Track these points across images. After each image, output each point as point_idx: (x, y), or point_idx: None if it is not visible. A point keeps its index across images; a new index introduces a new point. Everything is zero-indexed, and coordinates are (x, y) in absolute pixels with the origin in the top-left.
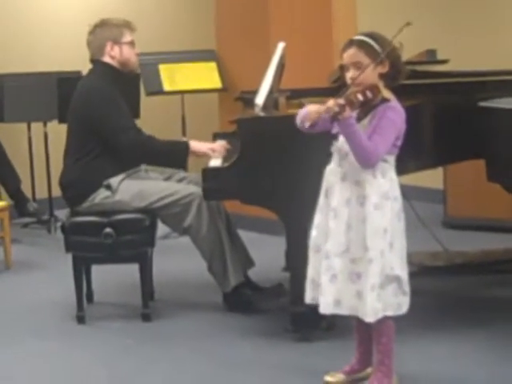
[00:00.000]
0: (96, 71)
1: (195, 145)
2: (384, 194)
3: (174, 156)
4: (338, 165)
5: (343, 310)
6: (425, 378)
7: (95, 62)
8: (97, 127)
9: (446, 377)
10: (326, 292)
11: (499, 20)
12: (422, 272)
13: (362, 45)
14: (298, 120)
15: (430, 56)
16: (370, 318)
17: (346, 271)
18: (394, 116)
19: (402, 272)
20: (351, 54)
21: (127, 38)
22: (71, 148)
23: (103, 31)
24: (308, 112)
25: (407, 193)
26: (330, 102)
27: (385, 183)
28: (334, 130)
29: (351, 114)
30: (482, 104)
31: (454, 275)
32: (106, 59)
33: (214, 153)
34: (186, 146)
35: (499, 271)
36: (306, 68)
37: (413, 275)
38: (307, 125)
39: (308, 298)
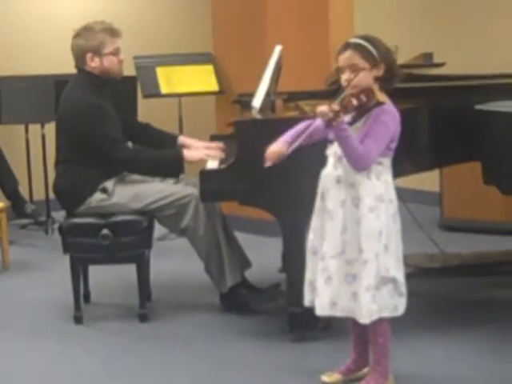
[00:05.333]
0: (80, 82)
1: (189, 154)
2: (378, 196)
3: (167, 168)
4: (333, 167)
5: (338, 312)
6: (420, 379)
7: (79, 69)
8: (87, 142)
9: (442, 377)
10: (322, 294)
11: (496, 23)
12: (418, 274)
13: (357, 48)
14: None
15: (427, 59)
16: (364, 320)
17: (341, 273)
18: (387, 119)
19: (398, 273)
20: (347, 57)
21: (109, 48)
22: (62, 155)
23: (85, 41)
24: (268, 152)
25: (404, 195)
26: (324, 108)
27: (379, 186)
28: (330, 135)
29: (344, 118)
30: (479, 107)
31: (450, 277)
32: (88, 68)
33: (208, 157)
34: (179, 157)
35: (495, 273)
36: (303, 71)
37: (409, 277)
38: (267, 165)
39: (307, 301)
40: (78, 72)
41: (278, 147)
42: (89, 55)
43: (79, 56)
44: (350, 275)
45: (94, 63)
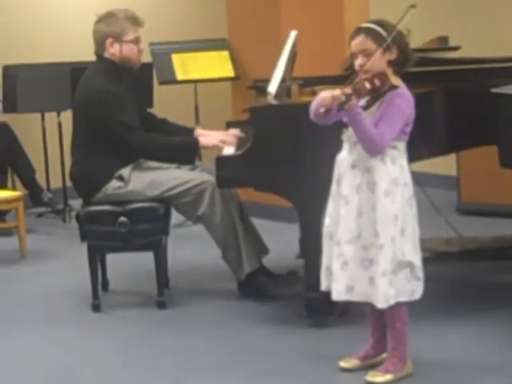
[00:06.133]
0: (98, 69)
1: (204, 140)
2: (394, 180)
3: (182, 154)
4: (348, 152)
5: (355, 297)
6: (439, 363)
7: (98, 56)
8: (104, 129)
9: (460, 362)
10: (338, 279)
11: (510, 6)
12: (435, 258)
13: (369, 32)
14: (313, 108)
15: (442, 43)
16: (381, 304)
17: (357, 258)
18: (401, 103)
19: (415, 258)
20: (359, 42)
21: (130, 35)
22: (78, 143)
23: (106, 26)
24: (321, 98)
25: (421, 179)
26: (337, 91)
27: (395, 170)
28: (345, 119)
29: (357, 102)
30: (495, 90)
31: (467, 261)
32: (107, 55)
33: (223, 143)
34: (195, 143)
35: None
36: (318, 56)
37: (427, 261)
38: (322, 110)
39: (323, 286)
40: (97, 59)
41: (330, 92)
42: (109, 40)
43: (99, 41)
44: (366, 260)
45: (113, 49)
